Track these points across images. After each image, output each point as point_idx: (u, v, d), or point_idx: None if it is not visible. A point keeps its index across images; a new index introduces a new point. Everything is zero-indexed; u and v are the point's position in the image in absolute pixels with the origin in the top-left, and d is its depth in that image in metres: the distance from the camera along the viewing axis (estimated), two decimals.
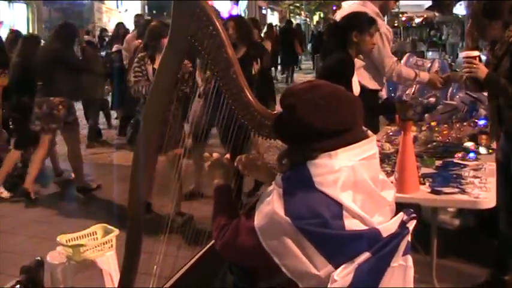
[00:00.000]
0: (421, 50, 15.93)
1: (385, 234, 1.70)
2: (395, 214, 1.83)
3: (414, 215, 1.82)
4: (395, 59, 4.42)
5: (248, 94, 2.04)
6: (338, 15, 4.48)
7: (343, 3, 5.24)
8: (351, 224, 1.67)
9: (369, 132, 1.82)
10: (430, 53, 16.87)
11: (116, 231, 3.33)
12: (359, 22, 3.74)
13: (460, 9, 22.40)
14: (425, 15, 32.58)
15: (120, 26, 11.59)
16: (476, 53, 3.27)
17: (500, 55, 3.31)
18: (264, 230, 1.70)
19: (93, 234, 3.39)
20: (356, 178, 1.70)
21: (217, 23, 2.04)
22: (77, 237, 3.32)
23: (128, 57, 7.94)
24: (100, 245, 3.29)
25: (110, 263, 3.31)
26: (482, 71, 3.22)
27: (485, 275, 3.75)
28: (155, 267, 2.51)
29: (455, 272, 3.94)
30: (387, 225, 1.74)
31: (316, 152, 1.70)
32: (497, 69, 3.31)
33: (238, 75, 2.04)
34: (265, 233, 1.70)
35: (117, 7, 24.56)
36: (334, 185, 1.66)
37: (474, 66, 3.23)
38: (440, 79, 4.46)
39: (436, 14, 30.44)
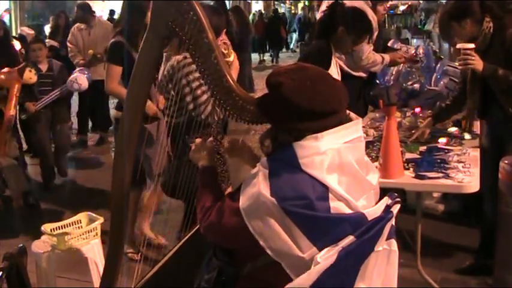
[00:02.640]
0: (406, 37, 15.91)
1: (370, 218, 1.70)
2: (380, 199, 1.84)
3: (398, 199, 1.83)
4: (371, 47, 4.45)
5: (229, 79, 2.02)
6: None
7: None
8: (337, 206, 1.67)
9: (353, 115, 1.82)
10: (414, 40, 16.85)
11: (101, 219, 3.31)
12: (363, 30, 3.68)
13: None
14: (409, 3, 32.54)
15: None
16: (471, 45, 3.24)
17: (484, 48, 3.30)
18: (249, 211, 1.70)
19: (78, 223, 3.37)
20: (341, 161, 1.70)
21: (197, 8, 2.02)
22: (62, 226, 3.30)
23: (76, 53, 7.08)
24: (85, 233, 3.27)
25: (95, 251, 3.29)
26: (479, 63, 3.21)
27: (469, 259, 3.79)
28: (139, 253, 2.50)
29: (439, 256, 3.97)
30: (373, 209, 1.75)
31: (302, 133, 1.70)
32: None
33: (220, 60, 2.03)
34: (250, 214, 1.69)
35: None
36: (320, 167, 1.66)
37: (472, 58, 3.21)
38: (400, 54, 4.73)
39: (421, 1, 30.40)
